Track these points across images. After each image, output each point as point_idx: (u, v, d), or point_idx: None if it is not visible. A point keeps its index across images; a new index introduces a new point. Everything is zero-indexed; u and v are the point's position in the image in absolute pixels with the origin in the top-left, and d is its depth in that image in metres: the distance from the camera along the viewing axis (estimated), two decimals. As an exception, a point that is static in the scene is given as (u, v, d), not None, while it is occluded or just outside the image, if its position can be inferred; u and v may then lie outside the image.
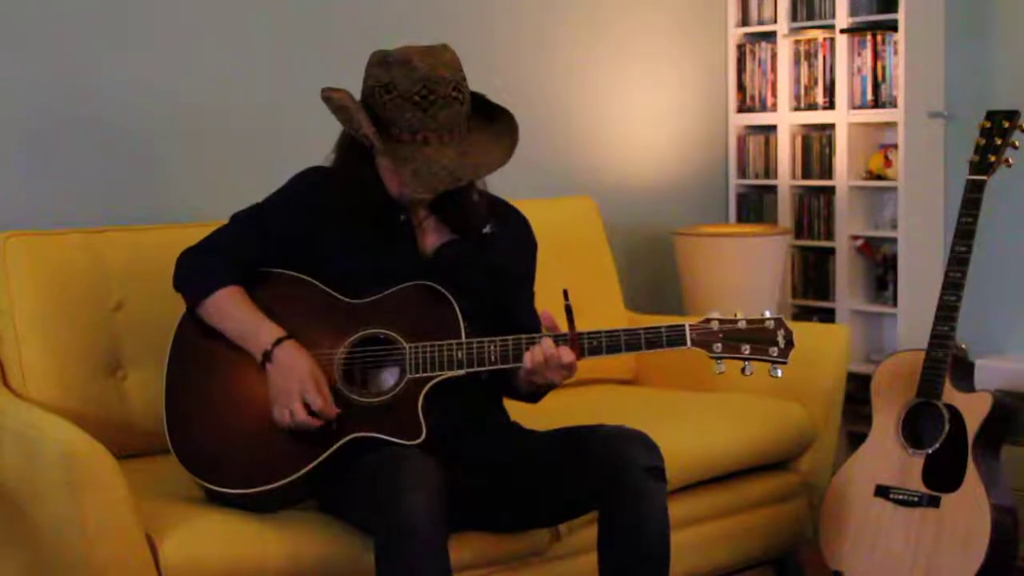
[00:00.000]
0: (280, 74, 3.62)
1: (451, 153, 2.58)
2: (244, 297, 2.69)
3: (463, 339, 2.60)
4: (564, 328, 2.58)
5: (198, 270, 2.72)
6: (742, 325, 2.60)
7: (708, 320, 2.61)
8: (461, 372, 2.60)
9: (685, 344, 2.59)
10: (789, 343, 2.60)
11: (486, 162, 2.61)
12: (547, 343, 2.57)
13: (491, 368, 2.60)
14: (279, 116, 3.58)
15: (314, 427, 2.56)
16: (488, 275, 2.75)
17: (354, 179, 2.68)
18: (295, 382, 2.57)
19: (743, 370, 2.61)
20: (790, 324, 2.62)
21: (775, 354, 2.59)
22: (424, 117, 2.55)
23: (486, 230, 2.76)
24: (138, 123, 3.39)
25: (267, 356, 2.61)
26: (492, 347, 2.59)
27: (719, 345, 2.59)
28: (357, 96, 2.65)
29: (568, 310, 2.56)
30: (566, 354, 2.56)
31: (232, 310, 2.67)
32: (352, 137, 2.66)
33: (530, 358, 2.57)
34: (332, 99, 2.61)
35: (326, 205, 2.71)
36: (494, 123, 2.69)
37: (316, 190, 2.74)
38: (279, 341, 2.61)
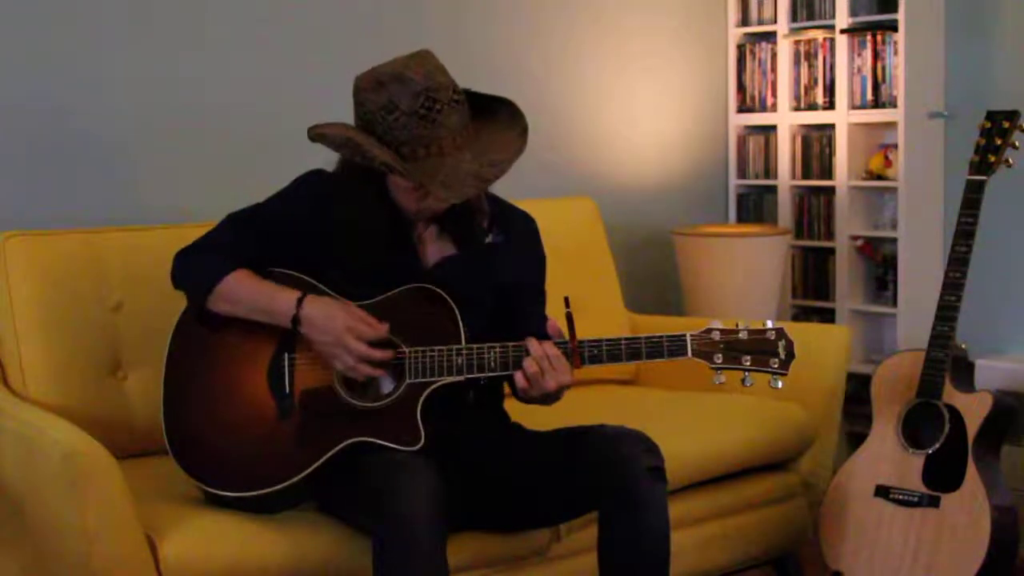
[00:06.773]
0: (281, 76, 3.61)
1: (468, 156, 2.54)
2: (254, 276, 2.66)
3: (463, 344, 2.60)
4: (565, 336, 2.58)
5: (200, 264, 2.69)
6: (743, 335, 2.59)
7: (709, 330, 2.59)
8: (460, 378, 2.59)
9: (686, 354, 2.58)
10: (790, 354, 2.59)
11: (506, 157, 2.57)
12: (545, 344, 2.56)
13: (490, 375, 2.59)
14: (281, 117, 3.58)
15: (380, 359, 2.56)
16: (492, 289, 2.72)
17: (362, 197, 2.63)
18: (338, 324, 2.56)
19: (743, 381, 2.60)
20: (791, 333, 2.60)
21: (775, 365, 2.58)
22: (434, 128, 2.50)
23: (488, 239, 2.74)
24: (138, 124, 3.39)
25: (296, 320, 2.60)
26: (492, 353, 2.58)
27: (719, 356, 2.58)
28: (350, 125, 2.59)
29: (569, 317, 2.55)
30: (564, 367, 2.56)
31: (246, 290, 2.64)
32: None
33: (522, 377, 2.55)
34: (328, 136, 2.55)
35: (328, 214, 2.68)
36: (496, 115, 2.65)
37: (319, 198, 2.70)
38: (299, 301, 2.60)
